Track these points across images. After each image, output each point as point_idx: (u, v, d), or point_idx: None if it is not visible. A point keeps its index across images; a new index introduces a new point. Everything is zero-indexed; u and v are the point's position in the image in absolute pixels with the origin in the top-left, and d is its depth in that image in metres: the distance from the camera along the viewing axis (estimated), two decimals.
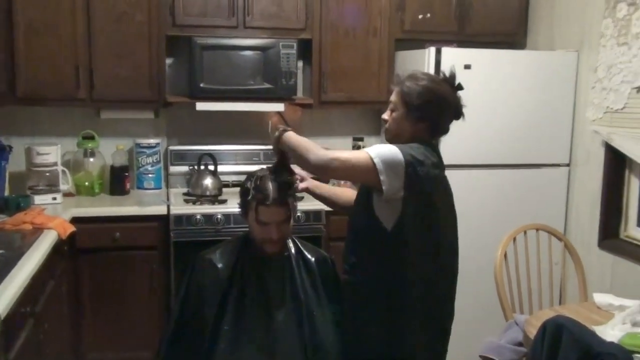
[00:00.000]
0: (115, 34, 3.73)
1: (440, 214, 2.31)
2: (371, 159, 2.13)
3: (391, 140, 2.35)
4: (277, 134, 2.27)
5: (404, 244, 2.22)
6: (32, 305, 2.56)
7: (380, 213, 2.20)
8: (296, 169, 2.44)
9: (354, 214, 2.36)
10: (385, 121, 2.36)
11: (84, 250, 3.56)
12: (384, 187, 2.13)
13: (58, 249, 3.12)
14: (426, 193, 2.21)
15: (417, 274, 2.26)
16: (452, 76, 2.32)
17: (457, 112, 2.32)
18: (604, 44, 3.54)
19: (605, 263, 3.61)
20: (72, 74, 3.70)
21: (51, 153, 3.71)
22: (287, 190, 2.35)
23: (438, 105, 2.27)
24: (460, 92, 2.32)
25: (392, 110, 2.33)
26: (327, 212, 3.71)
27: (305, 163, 2.19)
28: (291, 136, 2.25)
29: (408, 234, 2.21)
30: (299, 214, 3.52)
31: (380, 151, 2.15)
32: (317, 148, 2.17)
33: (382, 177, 2.12)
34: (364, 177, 2.18)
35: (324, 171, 2.22)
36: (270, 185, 2.31)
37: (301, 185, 2.47)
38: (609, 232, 3.64)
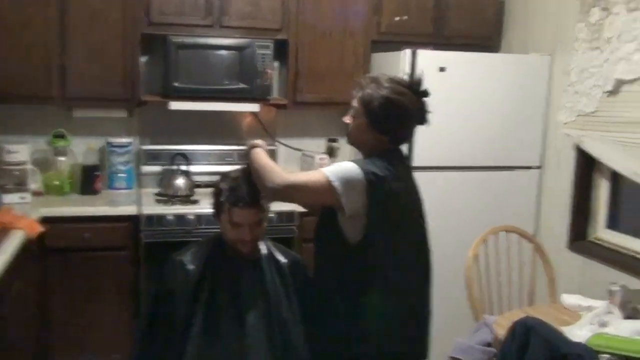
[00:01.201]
0: (89, 31, 3.70)
1: (407, 225, 2.31)
2: (329, 182, 2.11)
3: (353, 144, 2.38)
4: (246, 148, 2.30)
5: (370, 257, 2.22)
6: None
7: (345, 228, 2.20)
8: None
9: (318, 227, 2.35)
10: (346, 124, 2.35)
11: (53, 251, 3.51)
12: (345, 208, 2.13)
13: (26, 249, 3.07)
14: (389, 208, 2.20)
15: (386, 286, 2.26)
16: (418, 82, 2.27)
17: (420, 119, 2.29)
18: (577, 48, 3.57)
19: (574, 265, 3.64)
20: (44, 71, 3.66)
21: (20, 151, 3.67)
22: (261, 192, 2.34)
23: (399, 117, 2.24)
24: (433, 94, 2.28)
25: (354, 117, 2.31)
26: (299, 213, 3.71)
27: (263, 189, 2.21)
28: (256, 156, 2.26)
29: (373, 248, 2.20)
30: (271, 215, 3.50)
31: (338, 172, 2.14)
32: (276, 174, 2.16)
33: (342, 199, 2.12)
34: (324, 199, 2.17)
35: (281, 198, 2.25)
36: (244, 187, 2.30)
37: None
38: (578, 234, 3.68)
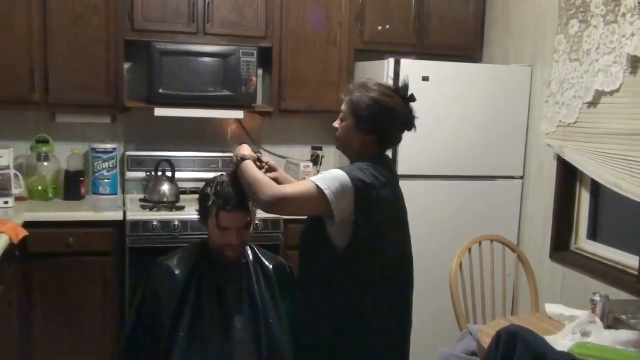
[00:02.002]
0: (72, 37, 3.69)
1: (392, 232, 2.33)
2: (321, 190, 2.13)
3: (341, 148, 2.40)
4: (235, 161, 2.30)
5: (356, 264, 2.24)
6: None
7: (332, 235, 2.22)
8: (266, 157, 2.48)
9: (305, 235, 2.37)
10: (336, 129, 2.38)
11: (37, 256, 3.49)
12: (335, 215, 2.15)
13: (9, 254, 3.05)
14: (376, 215, 2.23)
15: (370, 292, 2.29)
16: (405, 87, 2.31)
17: (407, 124, 2.32)
18: (557, 59, 3.62)
19: (556, 274, 3.69)
20: (27, 76, 3.64)
21: (3, 156, 3.63)
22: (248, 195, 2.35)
23: (387, 118, 2.27)
24: (416, 103, 2.32)
25: (342, 120, 2.34)
26: (285, 220, 3.72)
27: (256, 202, 2.22)
28: (246, 170, 2.26)
29: (360, 254, 2.23)
30: (257, 222, 3.51)
31: (328, 180, 2.16)
32: (268, 187, 2.18)
33: (333, 207, 2.14)
34: (316, 209, 2.18)
35: (274, 211, 2.24)
36: (231, 191, 2.31)
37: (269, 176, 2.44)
38: (561, 244, 3.72)
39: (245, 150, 2.37)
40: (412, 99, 2.32)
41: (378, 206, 2.22)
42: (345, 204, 2.15)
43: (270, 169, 2.46)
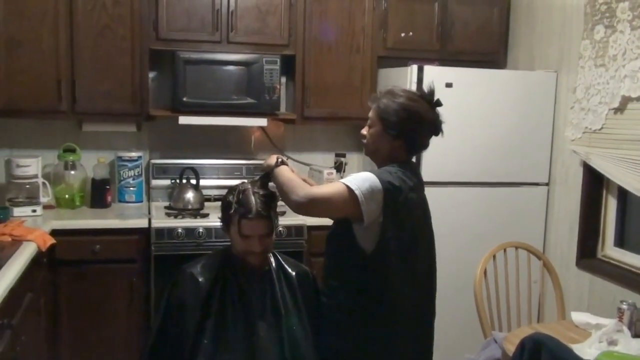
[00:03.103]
0: (97, 47, 3.73)
1: (418, 236, 2.35)
2: (352, 191, 2.15)
3: (369, 155, 2.42)
4: (272, 164, 2.33)
5: (383, 267, 2.25)
6: (9, 318, 2.53)
7: (360, 238, 2.23)
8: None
9: (332, 238, 2.38)
10: (364, 136, 2.40)
11: (64, 263, 3.52)
12: (364, 217, 2.16)
13: (37, 261, 3.09)
14: (404, 218, 2.25)
15: (397, 296, 2.30)
16: (431, 92, 2.34)
17: (435, 128, 2.34)
18: (582, 65, 3.59)
19: (582, 282, 3.64)
20: (54, 87, 3.69)
21: (31, 165, 3.69)
22: (270, 203, 2.36)
23: (414, 122, 2.29)
24: (440, 109, 2.35)
25: (370, 126, 2.36)
26: (309, 227, 3.72)
27: (288, 203, 2.24)
28: (281, 172, 2.30)
29: (387, 257, 2.24)
30: (280, 228, 3.52)
31: (359, 182, 2.18)
32: (300, 188, 2.20)
33: (363, 208, 2.15)
34: (346, 210, 2.20)
35: (305, 212, 2.25)
36: (253, 199, 2.32)
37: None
38: (587, 252, 3.68)
39: (279, 156, 2.40)
40: (439, 103, 2.35)
41: (406, 209, 2.25)
42: (374, 206, 2.17)
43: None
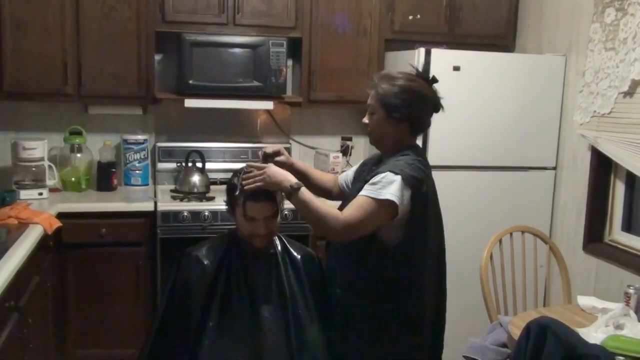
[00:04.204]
0: (103, 30, 3.72)
1: (436, 223, 2.37)
2: (386, 201, 2.14)
3: (375, 143, 2.40)
4: (288, 187, 2.23)
5: (411, 256, 2.28)
6: (16, 300, 2.55)
7: (384, 234, 2.24)
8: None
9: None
10: (366, 125, 2.39)
11: (70, 246, 3.55)
12: (399, 215, 2.18)
13: (44, 244, 3.11)
14: (427, 205, 2.28)
15: (425, 284, 2.34)
16: (425, 70, 2.38)
17: (435, 105, 2.34)
18: (592, 48, 3.56)
19: (589, 266, 3.63)
20: (60, 69, 3.69)
21: (37, 148, 3.69)
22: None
23: (417, 102, 2.29)
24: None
25: (372, 114, 2.34)
26: None
27: (327, 236, 2.28)
28: (304, 203, 2.22)
29: (414, 247, 2.28)
30: (286, 212, 3.52)
31: (388, 189, 2.15)
32: (333, 220, 2.16)
33: (400, 210, 2.17)
34: (384, 219, 2.19)
35: (350, 238, 2.22)
36: None
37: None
38: (594, 236, 3.66)
39: (287, 175, 2.29)
40: (435, 80, 2.34)
41: (428, 197, 2.28)
42: (405, 205, 2.18)
43: (275, 154, 2.47)
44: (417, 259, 2.30)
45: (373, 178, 2.21)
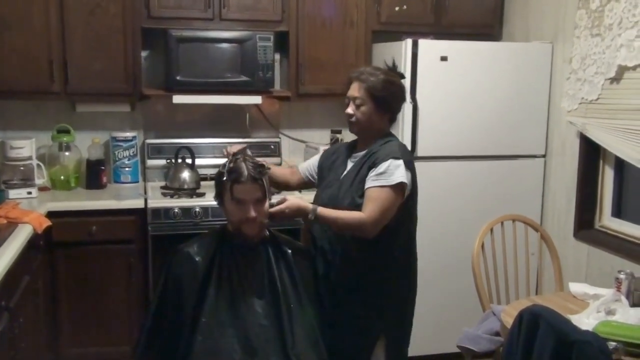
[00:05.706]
0: (89, 26, 3.70)
1: (416, 197, 2.62)
2: (398, 185, 2.39)
3: (360, 132, 2.59)
4: (309, 213, 2.42)
5: (403, 229, 2.55)
6: (6, 300, 2.54)
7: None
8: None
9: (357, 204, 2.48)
10: (350, 115, 2.54)
11: (61, 245, 3.53)
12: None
13: (33, 244, 3.09)
14: (415, 188, 2.56)
15: (409, 266, 2.64)
16: (395, 66, 2.59)
17: (405, 97, 2.65)
18: (578, 35, 3.56)
19: (580, 253, 3.65)
20: (46, 67, 3.66)
21: (25, 147, 3.67)
22: (261, 169, 2.37)
23: (398, 94, 2.56)
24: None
25: (360, 105, 2.51)
26: None
27: (359, 235, 2.42)
28: (328, 217, 2.42)
29: (406, 221, 2.56)
30: (274, 200, 3.50)
31: (405, 176, 2.41)
32: (359, 222, 2.37)
33: (407, 188, 2.45)
34: (400, 201, 2.44)
35: (378, 230, 2.41)
36: (244, 165, 2.34)
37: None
38: (584, 223, 3.68)
39: (301, 203, 2.46)
40: (403, 76, 2.63)
41: (416, 181, 2.54)
42: (409, 187, 2.46)
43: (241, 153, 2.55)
44: (409, 238, 2.60)
45: (377, 168, 2.42)
